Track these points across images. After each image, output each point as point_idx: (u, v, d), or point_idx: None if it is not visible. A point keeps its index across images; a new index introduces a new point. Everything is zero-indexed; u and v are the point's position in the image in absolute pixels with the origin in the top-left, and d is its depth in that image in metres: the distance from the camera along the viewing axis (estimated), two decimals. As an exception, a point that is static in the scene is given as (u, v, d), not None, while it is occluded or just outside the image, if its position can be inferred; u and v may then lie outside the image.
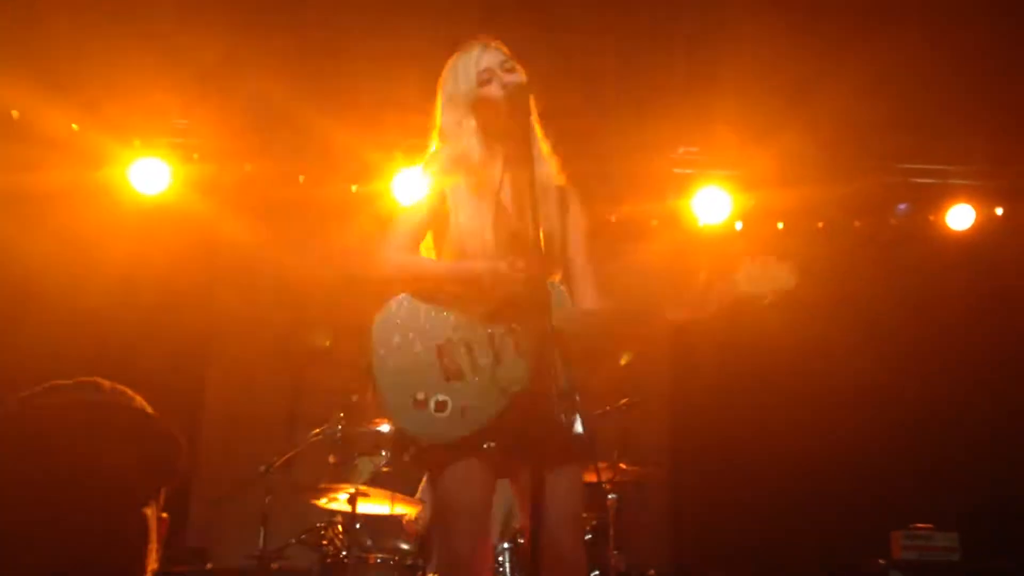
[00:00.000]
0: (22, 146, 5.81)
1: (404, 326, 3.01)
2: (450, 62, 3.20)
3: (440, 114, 3.20)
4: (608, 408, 5.09)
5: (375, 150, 6.30)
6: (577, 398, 2.98)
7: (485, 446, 2.87)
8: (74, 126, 5.90)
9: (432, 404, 2.90)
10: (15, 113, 5.76)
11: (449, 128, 3.15)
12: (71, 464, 1.25)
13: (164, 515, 1.39)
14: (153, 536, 1.34)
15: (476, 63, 3.10)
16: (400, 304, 3.05)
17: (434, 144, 3.21)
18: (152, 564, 1.35)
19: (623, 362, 5.19)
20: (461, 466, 2.93)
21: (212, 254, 7.09)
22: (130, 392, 1.42)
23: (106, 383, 1.40)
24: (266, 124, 6.23)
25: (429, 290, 3.04)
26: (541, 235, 2.70)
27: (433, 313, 3.02)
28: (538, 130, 3.13)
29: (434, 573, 4.63)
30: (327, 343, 6.05)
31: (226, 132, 6.29)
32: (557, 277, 3.11)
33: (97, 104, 5.89)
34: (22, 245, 6.12)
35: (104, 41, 5.42)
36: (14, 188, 5.86)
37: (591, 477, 4.49)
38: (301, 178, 6.54)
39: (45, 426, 1.29)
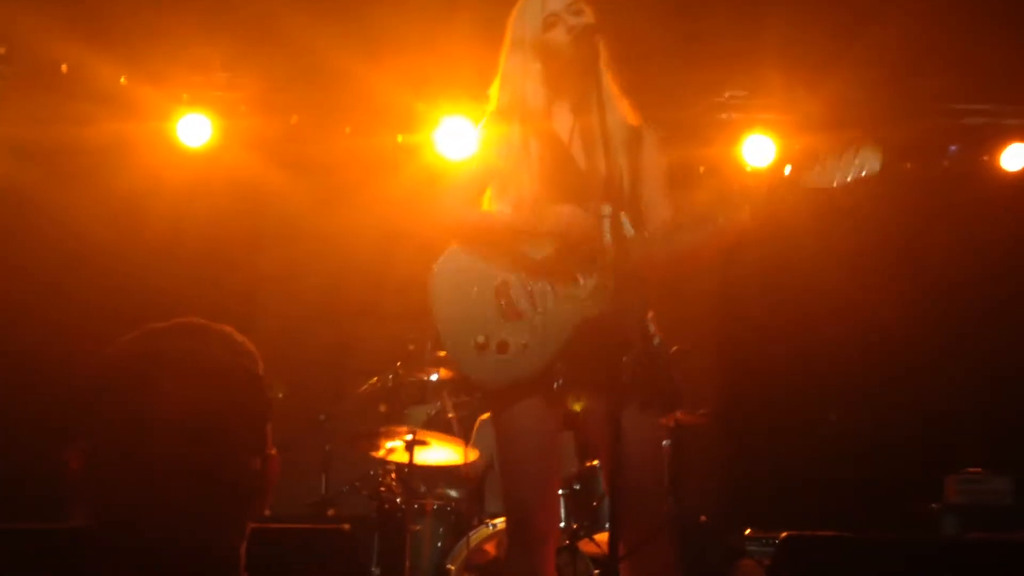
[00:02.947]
0: (71, 100, 5.83)
1: (459, 273, 3.01)
2: (518, 4, 3.14)
3: (504, 59, 3.15)
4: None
5: (419, 98, 6.26)
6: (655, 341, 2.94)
7: (555, 384, 2.85)
8: (122, 79, 5.89)
9: (493, 346, 2.89)
10: (64, 67, 5.76)
11: (513, 73, 3.10)
12: (166, 411, 1.24)
13: (273, 451, 1.38)
14: (258, 482, 1.32)
15: (542, 7, 3.03)
16: (454, 252, 3.04)
17: (497, 89, 3.17)
18: (259, 511, 1.34)
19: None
20: (526, 407, 2.92)
21: (258, 206, 7.12)
22: (227, 328, 1.40)
23: (200, 323, 1.38)
24: (311, 75, 6.19)
25: (487, 245, 3.02)
26: (617, 177, 2.68)
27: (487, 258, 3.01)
28: (607, 73, 3.06)
29: (490, 519, 4.66)
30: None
31: (271, 84, 6.26)
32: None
33: (145, 57, 5.88)
34: (70, 198, 6.16)
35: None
36: (63, 141, 5.89)
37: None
38: (347, 129, 6.52)
39: (145, 374, 1.27)
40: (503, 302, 2.93)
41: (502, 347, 2.89)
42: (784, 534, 3.39)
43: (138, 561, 1.23)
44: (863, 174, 2.75)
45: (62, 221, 6.25)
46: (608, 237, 2.68)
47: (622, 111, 3.07)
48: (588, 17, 3.02)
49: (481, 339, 2.90)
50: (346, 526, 3.44)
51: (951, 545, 4.01)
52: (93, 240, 6.30)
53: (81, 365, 1.31)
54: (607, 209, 2.78)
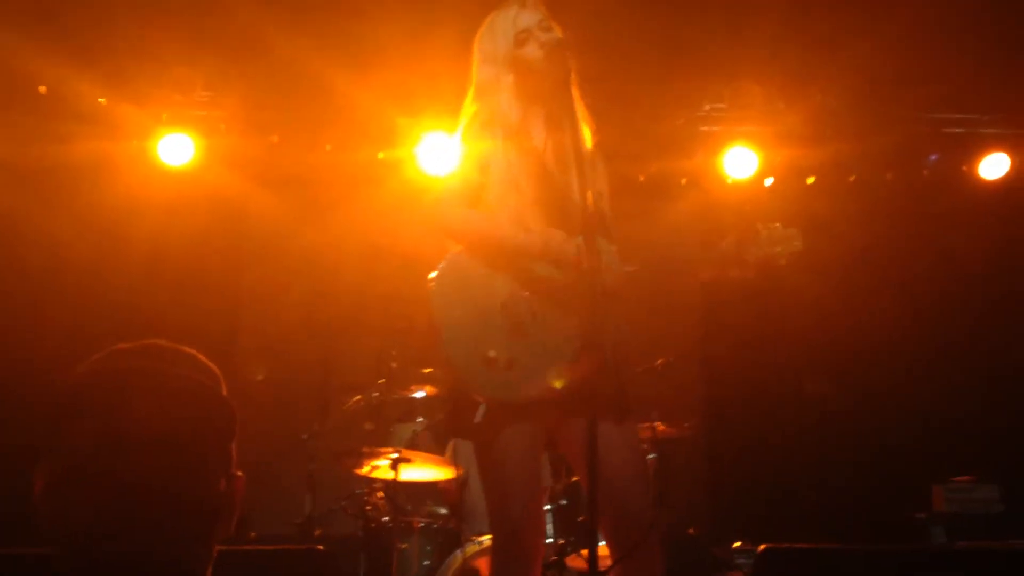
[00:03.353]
0: (50, 120, 5.81)
1: (464, 281, 2.97)
2: (487, 20, 3.15)
3: (476, 72, 3.15)
4: (644, 368, 5.08)
5: (401, 114, 6.26)
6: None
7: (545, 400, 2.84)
8: (101, 100, 5.87)
9: (503, 362, 2.87)
10: (43, 88, 5.74)
11: (487, 85, 3.10)
12: (133, 430, 1.23)
13: (239, 473, 1.37)
14: (225, 502, 1.31)
15: (514, 23, 3.06)
16: (456, 261, 3.02)
17: (470, 103, 3.17)
18: (224, 532, 1.33)
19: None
20: (519, 428, 2.91)
21: (240, 225, 7.10)
22: (190, 351, 1.40)
23: (166, 345, 1.38)
24: (292, 93, 6.19)
25: (488, 251, 3.00)
26: (589, 196, 2.68)
27: (490, 269, 2.99)
28: (575, 91, 3.06)
29: (475, 536, 4.63)
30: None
31: (253, 103, 6.26)
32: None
33: (124, 77, 5.87)
34: (50, 219, 6.14)
35: (130, 13, 5.39)
36: (43, 162, 5.87)
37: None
38: (328, 147, 6.51)
39: (113, 394, 1.26)
40: (509, 315, 2.91)
41: (510, 364, 2.87)
42: (763, 547, 3.39)
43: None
44: (787, 250, 2.87)
45: (43, 240, 6.23)
46: (585, 257, 2.67)
47: (586, 132, 3.08)
48: (557, 34, 3.05)
49: (492, 354, 2.86)
50: (320, 547, 3.40)
51: (935, 554, 4.00)
52: (74, 259, 6.28)
53: (49, 385, 1.30)
54: (584, 228, 2.80)
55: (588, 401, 2.60)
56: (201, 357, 1.40)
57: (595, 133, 3.15)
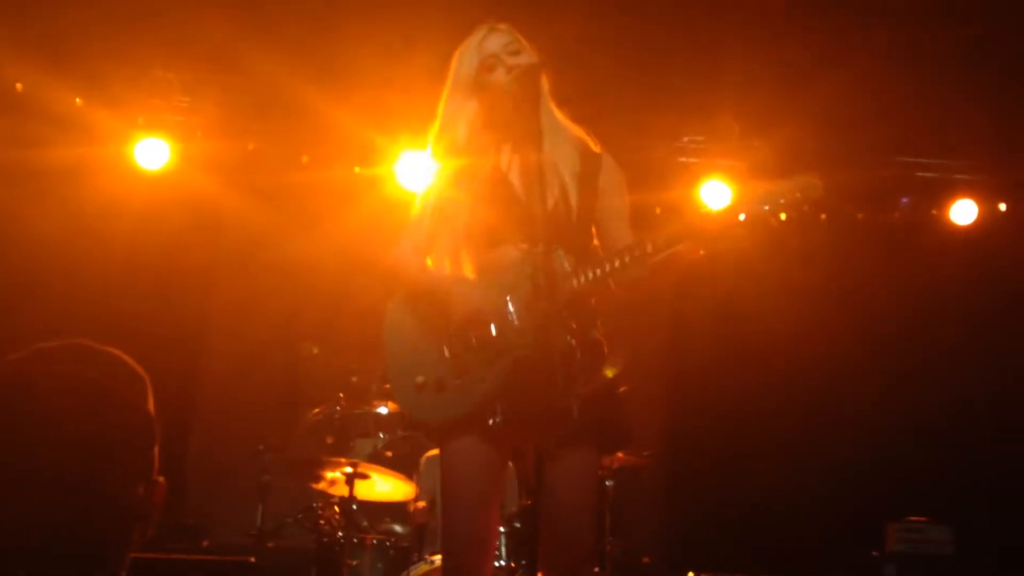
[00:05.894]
0: (26, 121, 5.80)
1: (408, 313, 3.03)
2: (459, 48, 3.16)
3: (444, 102, 3.12)
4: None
5: (379, 132, 6.29)
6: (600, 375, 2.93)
7: (491, 421, 2.82)
8: (78, 100, 5.88)
9: (432, 385, 2.89)
10: (19, 86, 5.73)
11: (449, 115, 3.08)
12: (37, 432, 1.24)
13: (160, 479, 1.37)
14: (142, 509, 1.32)
15: (479, 48, 3.02)
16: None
17: (435, 132, 3.14)
18: (142, 536, 1.34)
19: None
20: (465, 444, 2.90)
21: (214, 233, 7.10)
22: (116, 353, 1.40)
23: (89, 346, 1.37)
24: (270, 104, 6.21)
25: (409, 297, 3.04)
26: (548, 202, 2.71)
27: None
28: (552, 105, 3.03)
29: (432, 555, 4.62)
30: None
31: (230, 111, 6.27)
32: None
33: (102, 79, 5.88)
34: (25, 219, 6.12)
35: (109, 16, 5.40)
36: (18, 162, 5.85)
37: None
38: (304, 159, 6.53)
39: (24, 394, 1.27)
40: (444, 342, 2.92)
41: (439, 386, 2.90)
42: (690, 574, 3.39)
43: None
44: (806, 196, 2.70)
45: (17, 242, 6.20)
46: (539, 276, 2.68)
47: (574, 140, 3.05)
48: (528, 56, 3.03)
49: (420, 379, 2.91)
50: (251, 558, 3.39)
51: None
52: (48, 261, 6.26)
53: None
54: (541, 246, 2.79)
55: (535, 421, 2.59)
56: (127, 360, 1.38)
57: (594, 137, 3.10)
